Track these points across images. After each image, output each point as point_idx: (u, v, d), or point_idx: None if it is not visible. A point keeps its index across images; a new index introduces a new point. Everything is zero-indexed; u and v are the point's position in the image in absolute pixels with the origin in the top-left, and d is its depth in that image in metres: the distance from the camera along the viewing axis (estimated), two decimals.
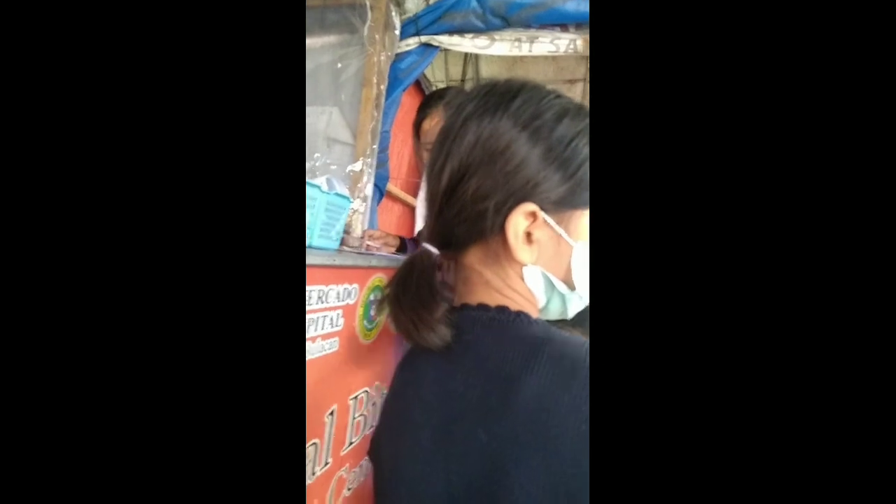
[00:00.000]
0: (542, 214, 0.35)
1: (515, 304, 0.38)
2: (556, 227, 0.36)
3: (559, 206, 0.35)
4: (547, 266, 0.37)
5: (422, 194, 0.45)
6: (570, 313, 0.42)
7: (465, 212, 0.36)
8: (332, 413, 0.83)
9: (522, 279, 0.38)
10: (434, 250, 0.39)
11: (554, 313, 0.42)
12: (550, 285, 0.38)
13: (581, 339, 0.33)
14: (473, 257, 0.39)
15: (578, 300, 0.41)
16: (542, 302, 0.40)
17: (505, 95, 0.36)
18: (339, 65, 1.36)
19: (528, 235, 0.36)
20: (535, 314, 0.39)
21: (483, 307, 0.38)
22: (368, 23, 1.35)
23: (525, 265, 0.37)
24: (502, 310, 0.37)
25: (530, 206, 0.35)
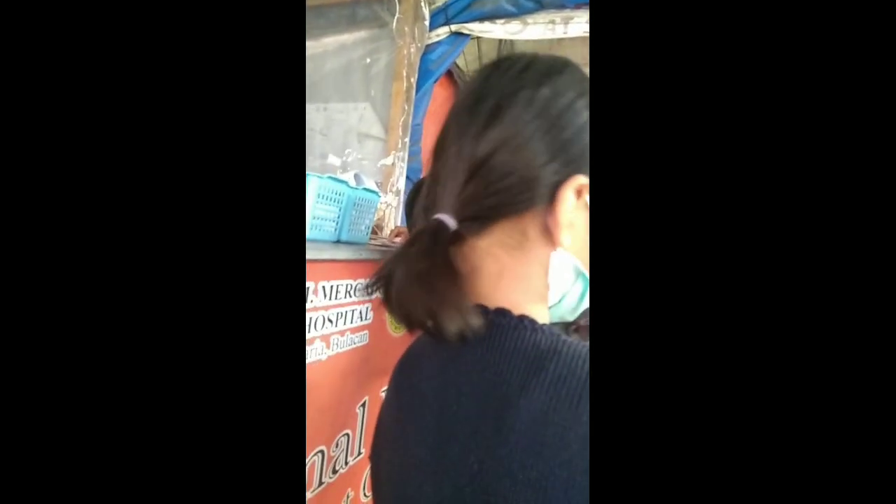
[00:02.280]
0: (586, 193, 0.31)
1: (524, 299, 0.33)
2: None
3: None
4: (576, 255, 0.33)
5: (437, 165, 0.37)
6: (581, 309, 0.39)
7: (507, 178, 0.31)
8: (363, 404, 0.85)
9: (546, 268, 0.33)
10: (452, 223, 0.33)
11: (565, 310, 0.38)
12: (576, 276, 0.34)
13: None
14: (495, 238, 0.33)
15: None
16: (556, 297, 0.36)
17: (553, 67, 0.34)
18: (369, 60, 1.37)
19: None
20: (544, 315, 0.34)
21: (481, 309, 0.32)
22: (397, 15, 1.35)
23: (559, 249, 0.32)
24: (502, 313, 0.32)
25: (582, 179, 0.30)
